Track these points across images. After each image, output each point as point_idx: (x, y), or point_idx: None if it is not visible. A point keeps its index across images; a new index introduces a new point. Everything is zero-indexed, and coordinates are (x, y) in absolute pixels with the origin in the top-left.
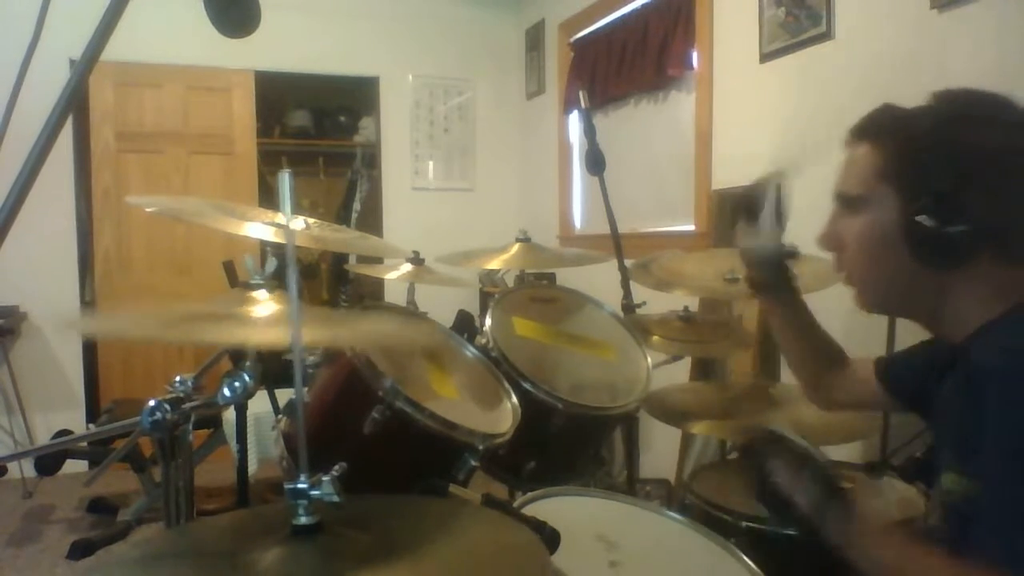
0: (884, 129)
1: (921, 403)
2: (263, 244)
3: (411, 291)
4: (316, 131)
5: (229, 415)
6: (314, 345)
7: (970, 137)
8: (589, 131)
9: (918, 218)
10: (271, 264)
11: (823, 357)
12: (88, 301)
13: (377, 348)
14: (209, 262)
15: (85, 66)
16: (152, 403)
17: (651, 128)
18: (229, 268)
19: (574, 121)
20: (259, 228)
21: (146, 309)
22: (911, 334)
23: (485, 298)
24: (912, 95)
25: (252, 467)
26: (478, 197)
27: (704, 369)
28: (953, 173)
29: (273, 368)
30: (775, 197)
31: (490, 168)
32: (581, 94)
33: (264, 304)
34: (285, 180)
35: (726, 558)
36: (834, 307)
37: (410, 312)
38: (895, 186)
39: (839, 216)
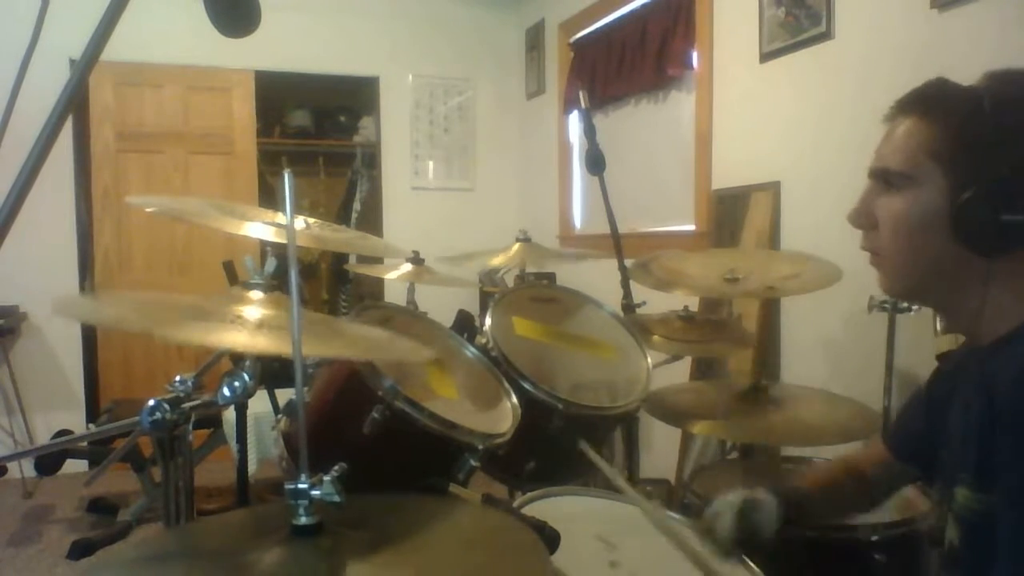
0: (937, 105)
1: (928, 459)
2: (263, 244)
3: (411, 291)
4: (316, 131)
5: (229, 415)
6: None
7: None
8: (589, 131)
9: (970, 203)
10: (271, 264)
11: (850, 496)
12: None
13: (377, 359)
14: (209, 262)
15: (85, 66)
16: (152, 403)
17: (651, 128)
18: (229, 268)
19: (574, 121)
20: (259, 228)
21: (142, 297)
22: (912, 334)
23: (485, 298)
24: None
25: (252, 467)
26: (478, 197)
27: (704, 369)
28: (1014, 159)
29: (273, 368)
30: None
31: (490, 168)
32: (581, 94)
33: (259, 306)
34: (287, 180)
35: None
36: (834, 307)
37: (410, 312)
38: (946, 166)
39: (875, 192)
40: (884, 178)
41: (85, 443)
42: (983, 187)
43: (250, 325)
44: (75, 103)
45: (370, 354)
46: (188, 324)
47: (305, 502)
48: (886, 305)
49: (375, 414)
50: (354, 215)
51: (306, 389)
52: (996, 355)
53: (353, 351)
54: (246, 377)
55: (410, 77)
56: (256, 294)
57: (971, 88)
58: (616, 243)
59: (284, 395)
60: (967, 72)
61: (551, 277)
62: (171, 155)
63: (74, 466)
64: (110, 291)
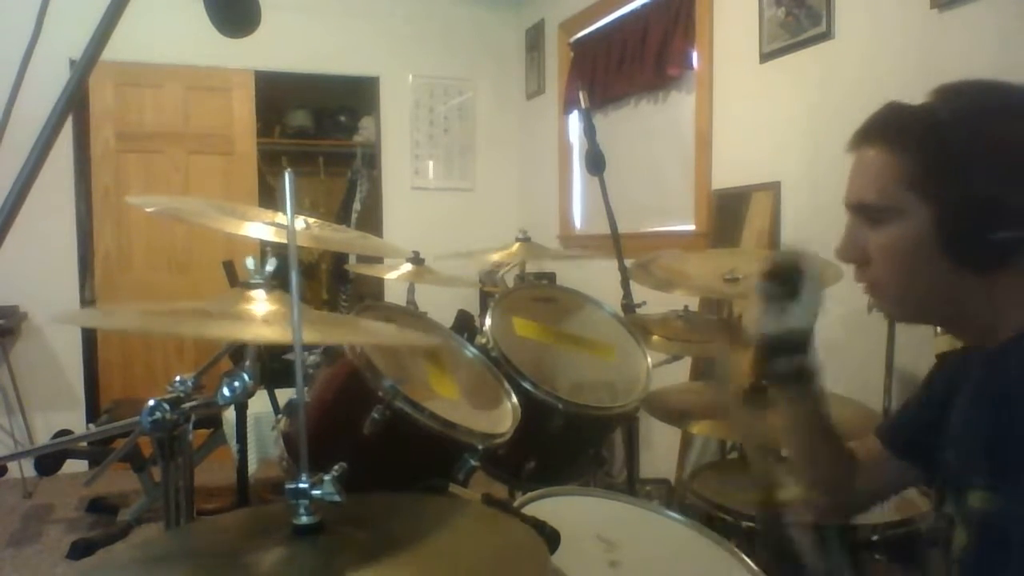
0: (899, 132)
1: (928, 457)
2: (263, 244)
3: (411, 291)
4: (316, 131)
5: (229, 415)
6: (311, 344)
7: (996, 132)
8: (589, 131)
9: (959, 226)
10: (271, 264)
11: (837, 457)
12: (88, 301)
13: (377, 348)
14: (209, 262)
15: (85, 66)
16: (152, 403)
17: (651, 128)
18: (229, 268)
19: (574, 121)
20: (259, 228)
21: (145, 305)
22: (912, 334)
23: (485, 298)
24: (912, 95)
25: (252, 467)
26: (478, 197)
27: (704, 369)
28: (989, 174)
29: (273, 368)
30: (814, 267)
31: (490, 168)
32: (581, 94)
33: (261, 303)
34: (287, 180)
35: (726, 558)
36: (834, 307)
37: (410, 312)
38: (924, 194)
39: (860, 227)
40: (865, 213)
41: (85, 443)
42: (967, 208)
43: (256, 320)
44: (75, 103)
45: (376, 341)
46: (195, 321)
47: (305, 502)
48: None
49: (375, 414)
50: (354, 215)
51: (306, 389)
52: (1005, 357)
53: (359, 338)
54: (246, 377)
55: (410, 77)
56: (259, 293)
57: (927, 108)
58: (616, 243)
59: (284, 395)
60: (967, 72)
61: (551, 277)
62: (171, 155)
63: (74, 466)
64: (113, 301)
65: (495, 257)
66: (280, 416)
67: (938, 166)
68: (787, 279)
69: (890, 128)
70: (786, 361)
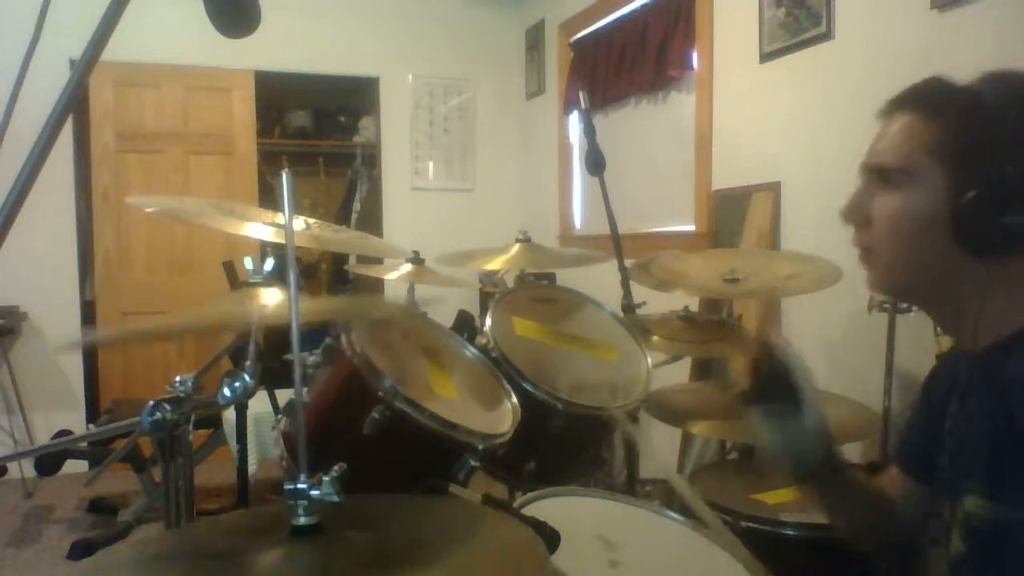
0: (936, 102)
1: (931, 469)
2: (263, 244)
3: (411, 291)
4: (316, 131)
5: (229, 415)
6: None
7: None
8: (589, 131)
9: (973, 204)
10: (269, 262)
11: (875, 512)
12: (88, 301)
13: (377, 348)
14: (209, 262)
15: (85, 66)
16: (152, 403)
17: (651, 128)
18: (229, 268)
19: (574, 121)
20: (259, 228)
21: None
22: (912, 334)
23: (485, 298)
24: None
25: (252, 467)
26: (478, 197)
27: (704, 369)
28: (1015, 159)
29: (273, 368)
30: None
31: (490, 168)
32: (581, 94)
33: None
34: (284, 180)
35: (726, 558)
36: (834, 307)
37: (410, 312)
38: (946, 165)
39: (870, 189)
40: (880, 175)
41: (85, 443)
42: (986, 188)
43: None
44: (75, 103)
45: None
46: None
47: (304, 502)
48: (886, 305)
49: (375, 414)
50: (354, 215)
51: (306, 389)
52: (1002, 361)
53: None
54: (246, 377)
55: (410, 77)
56: (265, 291)
57: (969, 87)
58: (616, 243)
59: (284, 395)
60: (967, 72)
61: (551, 277)
62: (171, 155)
63: (74, 466)
64: (112, 302)
65: (494, 265)
66: (280, 416)
67: (971, 140)
68: (781, 394)
69: (929, 97)
70: (808, 466)
